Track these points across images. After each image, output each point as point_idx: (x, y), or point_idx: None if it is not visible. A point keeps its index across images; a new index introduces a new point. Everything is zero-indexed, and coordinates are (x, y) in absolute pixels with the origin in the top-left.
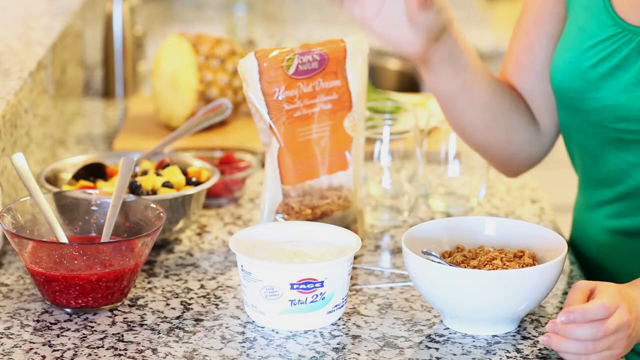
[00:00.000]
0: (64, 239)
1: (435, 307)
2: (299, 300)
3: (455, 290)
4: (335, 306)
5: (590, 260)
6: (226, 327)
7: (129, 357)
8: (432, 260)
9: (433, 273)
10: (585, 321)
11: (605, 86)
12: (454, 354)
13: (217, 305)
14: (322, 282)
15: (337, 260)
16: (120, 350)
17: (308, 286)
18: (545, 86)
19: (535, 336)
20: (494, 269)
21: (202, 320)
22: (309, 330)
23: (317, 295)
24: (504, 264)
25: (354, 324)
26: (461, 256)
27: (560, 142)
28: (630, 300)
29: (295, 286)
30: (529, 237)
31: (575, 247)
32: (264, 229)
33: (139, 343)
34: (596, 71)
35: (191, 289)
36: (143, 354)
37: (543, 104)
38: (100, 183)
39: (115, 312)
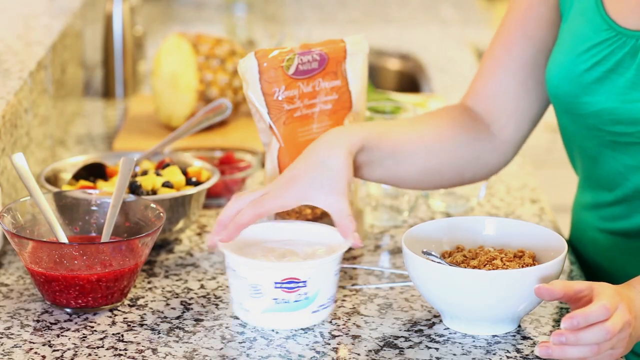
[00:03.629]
0: (64, 239)
1: (435, 307)
2: (283, 299)
3: (455, 290)
4: (321, 306)
5: (588, 261)
6: (226, 327)
7: (129, 357)
8: (432, 260)
9: (433, 273)
10: (587, 324)
11: (600, 90)
12: (454, 354)
13: (217, 305)
14: (305, 282)
15: (320, 261)
16: (120, 350)
17: (291, 285)
18: (518, 88)
19: (535, 336)
20: (494, 269)
21: (202, 320)
22: (309, 330)
23: (300, 295)
24: (504, 264)
25: (354, 324)
26: (461, 256)
27: (560, 143)
28: (628, 299)
29: (279, 285)
30: (529, 237)
31: (573, 247)
32: (256, 229)
33: (139, 343)
34: (591, 75)
35: (191, 289)
36: (143, 354)
37: (512, 107)
38: (100, 183)
39: (115, 312)
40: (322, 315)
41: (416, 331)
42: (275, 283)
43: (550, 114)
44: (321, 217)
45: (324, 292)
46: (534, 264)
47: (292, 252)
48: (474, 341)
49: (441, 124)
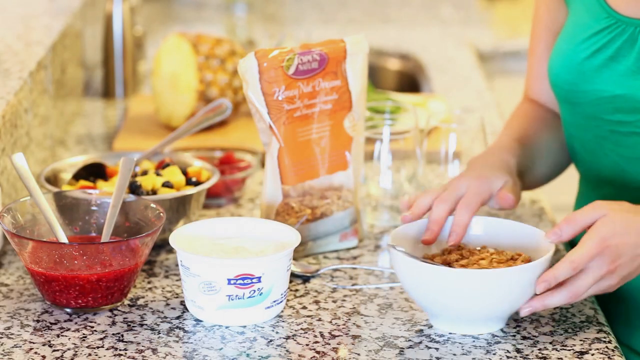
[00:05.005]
0: (64, 239)
1: (420, 305)
2: (237, 296)
3: (436, 288)
4: (274, 302)
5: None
6: (226, 327)
7: (129, 357)
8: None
9: (413, 270)
10: (557, 282)
11: (600, 78)
12: (454, 354)
13: None
14: (259, 277)
15: (274, 256)
16: (120, 350)
17: (245, 281)
18: None
19: (535, 336)
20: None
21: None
22: (309, 330)
23: (254, 291)
24: (492, 264)
25: (354, 324)
26: (457, 255)
27: None
28: (620, 245)
29: (232, 281)
30: (516, 237)
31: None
32: (206, 225)
33: (139, 343)
34: (591, 63)
35: None
36: (143, 354)
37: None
38: (100, 183)
39: (115, 312)
40: (275, 311)
41: (416, 331)
42: (229, 279)
43: None
44: (321, 216)
45: (278, 287)
46: None
47: (243, 249)
48: (474, 341)
49: (548, 119)
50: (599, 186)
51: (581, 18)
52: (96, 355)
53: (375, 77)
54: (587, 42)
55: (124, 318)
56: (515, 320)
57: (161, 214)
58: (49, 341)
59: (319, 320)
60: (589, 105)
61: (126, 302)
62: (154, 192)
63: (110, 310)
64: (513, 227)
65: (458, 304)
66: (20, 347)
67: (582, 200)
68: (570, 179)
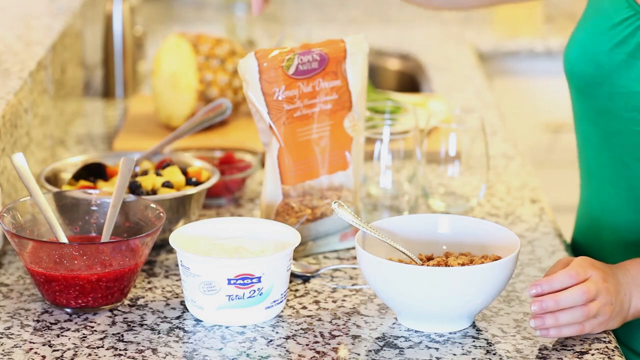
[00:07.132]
0: (64, 239)
1: (385, 302)
2: (237, 296)
3: (399, 285)
4: (274, 302)
5: (593, 258)
6: (226, 327)
7: (129, 357)
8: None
9: (381, 269)
10: (551, 291)
11: (617, 73)
12: (454, 354)
13: None
14: (259, 277)
15: (274, 256)
16: (120, 350)
17: (245, 281)
18: None
19: (535, 336)
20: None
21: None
22: (309, 330)
23: (254, 291)
24: (459, 263)
25: (354, 324)
26: (441, 258)
27: (560, 143)
28: (606, 271)
29: (232, 281)
30: (482, 235)
31: (578, 246)
32: (206, 225)
33: (139, 343)
34: (610, 57)
35: None
36: (143, 354)
37: None
38: (100, 183)
39: (115, 312)
40: (275, 310)
41: (416, 331)
42: (229, 279)
43: (550, 115)
44: (321, 216)
45: (278, 287)
46: None
47: (243, 249)
48: (474, 341)
49: None
50: (602, 187)
51: (601, 6)
52: (96, 355)
53: (375, 77)
54: (607, 34)
55: (124, 318)
56: (515, 320)
57: (161, 214)
58: (49, 341)
59: (319, 320)
60: (603, 99)
61: (126, 302)
62: (154, 192)
63: (110, 310)
64: (479, 225)
65: (421, 302)
66: (20, 347)
67: (585, 204)
68: (570, 179)
